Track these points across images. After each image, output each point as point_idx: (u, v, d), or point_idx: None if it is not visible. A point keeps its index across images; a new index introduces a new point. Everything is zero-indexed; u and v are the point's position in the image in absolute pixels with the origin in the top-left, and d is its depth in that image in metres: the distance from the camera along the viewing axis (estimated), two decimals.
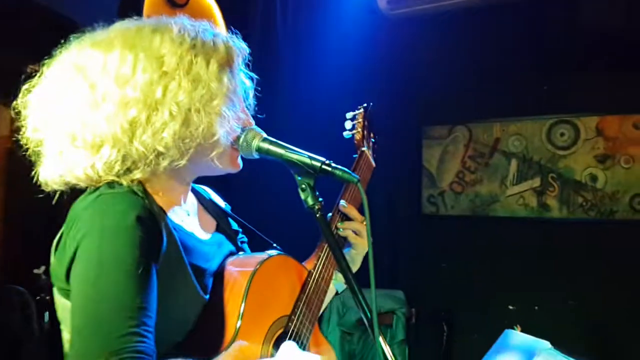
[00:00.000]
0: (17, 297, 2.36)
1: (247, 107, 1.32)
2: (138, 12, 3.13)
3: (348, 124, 1.72)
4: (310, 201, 1.17)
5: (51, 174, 1.17)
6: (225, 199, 1.54)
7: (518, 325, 1.96)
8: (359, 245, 1.48)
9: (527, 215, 3.98)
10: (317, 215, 1.17)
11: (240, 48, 1.27)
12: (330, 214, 1.50)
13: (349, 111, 1.77)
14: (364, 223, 1.48)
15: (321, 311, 1.46)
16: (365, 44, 3.97)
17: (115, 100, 1.12)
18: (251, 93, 1.32)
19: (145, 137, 1.12)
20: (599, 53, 3.65)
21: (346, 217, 1.50)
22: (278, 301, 1.30)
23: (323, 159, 1.18)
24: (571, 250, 3.74)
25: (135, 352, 0.96)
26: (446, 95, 4.17)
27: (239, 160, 1.30)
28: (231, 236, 1.43)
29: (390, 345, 1.13)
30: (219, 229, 1.40)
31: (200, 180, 1.38)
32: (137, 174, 1.15)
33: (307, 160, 1.17)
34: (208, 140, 1.18)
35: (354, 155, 1.70)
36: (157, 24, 1.21)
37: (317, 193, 1.18)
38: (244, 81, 1.29)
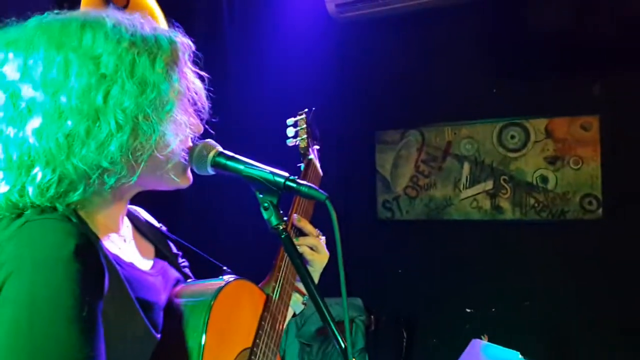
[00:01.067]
0: None
1: (198, 111, 1.15)
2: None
3: (290, 131, 1.64)
4: (274, 220, 1.08)
5: None
6: (155, 216, 1.37)
7: (485, 335, 1.91)
8: (316, 262, 1.40)
9: (481, 218, 4.00)
10: (283, 236, 1.07)
11: (185, 44, 1.11)
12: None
13: (296, 114, 1.68)
14: (320, 237, 1.42)
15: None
16: (315, 48, 3.92)
17: (45, 111, 0.95)
18: (202, 95, 1.15)
19: (85, 151, 0.96)
20: (547, 56, 3.71)
21: (300, 232, 1.41)
22: (239, 332, 1.19)
23: (287, 174, 1.08)
24: (525, 251, 3.77)
25: None
26: (398, 99, 4.15)
27: (189, 173, 1.15)
28: (173, 261, 1.27)
29: None
30: (158, 255, 1.24)
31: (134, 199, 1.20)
32: (74, 197, 0.97)
33: (270, 177, 1.08)
34: (162, 151, 1.03)
35: (299, 165, 1.61)
36: (85, 18, 1.02)
37: (281, 212, 1.09)
38: (192, 81, 1.12)
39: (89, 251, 0.93)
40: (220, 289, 1.13)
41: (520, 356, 1.67)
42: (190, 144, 1.15)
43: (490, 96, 3.94)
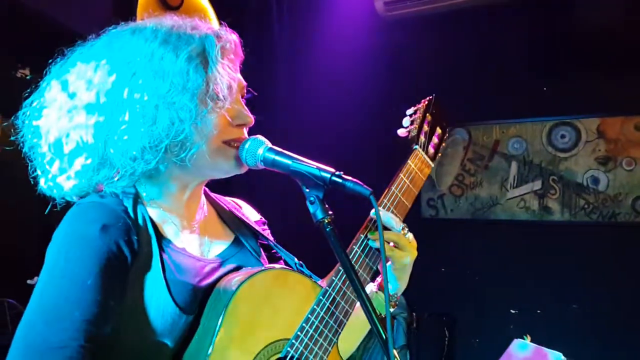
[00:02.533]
0: (10, 311, 2.29)
1: (236, 99, 1.20)
2: (132, 18, 3.08)
3: (406, 121, 1.52)
4: (319, 214, 1.10)
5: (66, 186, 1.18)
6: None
7: (528, 335, 1.91)
8: (395, 258, 1.28)
9: (528, 219, 3.94)
10: (327, 230, 1.09)
11: (221, 35, 1.18)
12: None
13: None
14: (404, 233, 1.30)
15: (359, 339, 1.34)
16: (363, 46, 3.94)
17: (87, 107, 1.12)
18: (239, 84, 1.20)
19: (118, 141, 1.10)
20: (599, 55, 3.62)
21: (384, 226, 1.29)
22: (274, 322, 1.15)
23: (332, 170, 1.10)
24: (574, 254, 3.70)
25: None
26: (445, 97, 4.11)
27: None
28: (252, 252, 1.32)
29: None
30: (235, 246, 1.30)
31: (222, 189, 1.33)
32: (121, 182, 1.14)
33: (316, 172, 1.10)
34: (176, 137, 1.11)
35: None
36: (136, 25, 1.18)
37: (327, 206, 1.12)
38: (229, 71, 1.17)
39: (116, 230, 1.07)
40: (251, 276, 1.13)
41: (562, 357, 1.66)
42: (243, 133, 1.21)
43: (541, 95, 3.88)
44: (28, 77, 2.93)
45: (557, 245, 3.76)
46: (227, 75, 1.16)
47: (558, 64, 3.77)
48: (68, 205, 1.18)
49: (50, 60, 1.22)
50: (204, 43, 1.15)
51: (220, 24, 1.25)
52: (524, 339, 1.89)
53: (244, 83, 1.25)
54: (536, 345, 1.80)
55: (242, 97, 1.25)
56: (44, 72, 1.22)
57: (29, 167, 1.21)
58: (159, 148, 1.11)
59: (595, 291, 3.59)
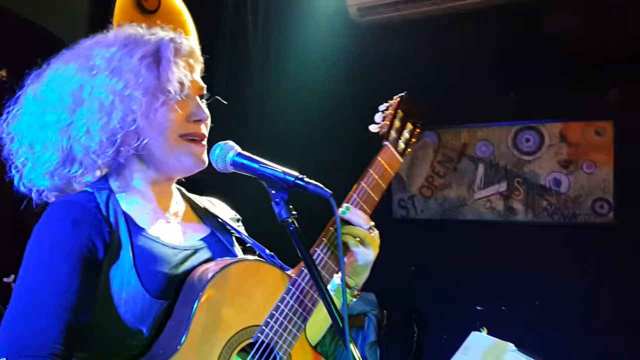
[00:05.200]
0: None
1: (183, 98, 1.29)
2: (108, 19, 3.12)
3: (378, 117, 1.56)
4: (283, 215, 1.19)
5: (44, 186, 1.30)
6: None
7: (484, 328, 2.02)
8: (360, 254, 1.38)
9: (494, 219, 4.09)
10: (291, 229, 1.19)
11: (176, 39, 1.30)
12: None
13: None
14: (370, 231, 1.39)
15: (325, 327, 1.40)
16: (336, 50, 4.02)
17: (53, 108, 1.25)
18: (193, 83, 1.31)
19: (79, 137, 1.23)
20: (562, 62, 3.77)
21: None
22: (245, 309, 1.23)
23: (296, 173, 1.20)
24: (536, 252, 3.85)
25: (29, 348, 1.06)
26: (415, 101, 4.22)
27: (204, 157, 1.32)
28: (226, 243, 1.41)
29: (362, 347, 1.15)
30: (210, 239, 1.39)
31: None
32: (87, 177, 1.26)
33: (281, 175, 1.20)
34: (129, 127, 1.23)
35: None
36: (101, 35, 1.33)
37: (291, 206, 1.21)
38: (181, 70, 1.27)
39: (86, 222, 1.19)
40: (225, 266, 1.22)
41: (514, 347, 1.78)
42: (200, 129, 1.32)
43: (507, 100, 4.03)
44: (4, 79, 2.97)
45: (520, 245, 3.91)
46: (179, 73, 1.27)
47: (523, 71, 3.92)
48: (45, 205, 1.28)
49: (27, 62, 1.35)
50: (158, 44, 1.28)
51: (197, 28, 1.36)
52: (480, 331, 2.01)
53: (202, 84, 1.35)
54: (491, 337, 1.92)
55: (201, 97, 1.35)
56: (21, 73, 1.33)
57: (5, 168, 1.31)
58: (115, 139, 1.23)
59: (556, 288, 3.74)
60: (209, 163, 1.31)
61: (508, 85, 3.99)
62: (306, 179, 1.19)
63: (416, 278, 4.22)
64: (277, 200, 1.21)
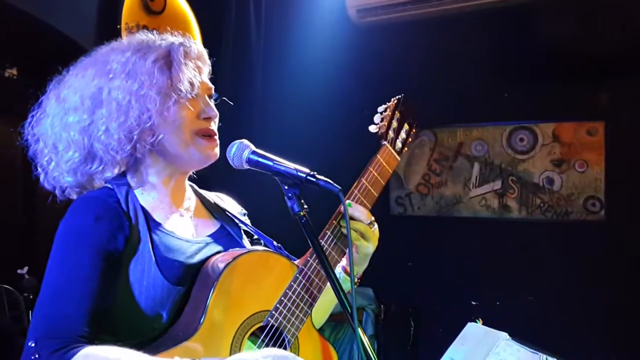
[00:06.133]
0: (7, 297, 2.43)
1: (194, 97, 1.38)
2: (117, 20, 3.20)
3: (377, 118, 1.63)
4: (296, 208, 1.28)
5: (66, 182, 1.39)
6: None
7: (480, 319, 2.12)
8: (361, 247, 1.46)
9: (489, 216, 4.20)
10: (303, 222, 1.28)
11: (185, 43, 1.41)
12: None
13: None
14: (371, 226, 1.46)
15: (328, 312, 1.51)
16: (336, 51, 4.10)
17: (74, 109, 1.35)
18: (202, 84, 1.41)
19: (99, 135, 1.32)
20: (556, 64, 3.87)
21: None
22: (256, 296, 1.32)
23: (308, 170, 1.29)
24: (530, 249, 3.95)
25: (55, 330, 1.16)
26: (412, 103, 4.30)
27: (216, 151, 1.42)
28: (236, 236, 1.50)
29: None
30: (220, 232, 1.49)
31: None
32: (107, 173, 1.36)
33: (293, 172, 1.29)
34: (145, 125, 1.32)
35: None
36: (116, 42, 1.44)
37: (303, 201, 1.30)
38: (191, 71, 1.38)
39: (108, 216, 1.28)
40: (238, 256, 1.31)
41: (507, 336, 1.88)
42: (210, 125, 1.42)
43: (501, 101, 4.13)
44: (15, 77, 3.04)
45: (514, 241, 4.01)
46: (189, 74, 1.38)
47: (518, 72, 4.01)
48: (67, 202, 1.38)
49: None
50: (169, 48, 1.38)
51: (201, 32, 1.46)
52: (476, 322, 2.10)
53: (210, 85, 1.46)
54: (487, 327, 2.01)
55: (209, 97, 1.45)
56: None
57: (30, 167, 1.42)
58: (132, 136, 1.32)
59: (549, 284, 3.85)
60: (222, 160, 1.41)
61: (503, 87, 4.09)
62: (317, 175, 1.28)
63: (413, 274, 4.31)
64: (290, 195, 1.30)
